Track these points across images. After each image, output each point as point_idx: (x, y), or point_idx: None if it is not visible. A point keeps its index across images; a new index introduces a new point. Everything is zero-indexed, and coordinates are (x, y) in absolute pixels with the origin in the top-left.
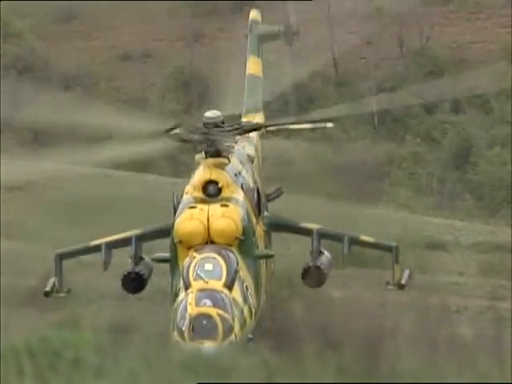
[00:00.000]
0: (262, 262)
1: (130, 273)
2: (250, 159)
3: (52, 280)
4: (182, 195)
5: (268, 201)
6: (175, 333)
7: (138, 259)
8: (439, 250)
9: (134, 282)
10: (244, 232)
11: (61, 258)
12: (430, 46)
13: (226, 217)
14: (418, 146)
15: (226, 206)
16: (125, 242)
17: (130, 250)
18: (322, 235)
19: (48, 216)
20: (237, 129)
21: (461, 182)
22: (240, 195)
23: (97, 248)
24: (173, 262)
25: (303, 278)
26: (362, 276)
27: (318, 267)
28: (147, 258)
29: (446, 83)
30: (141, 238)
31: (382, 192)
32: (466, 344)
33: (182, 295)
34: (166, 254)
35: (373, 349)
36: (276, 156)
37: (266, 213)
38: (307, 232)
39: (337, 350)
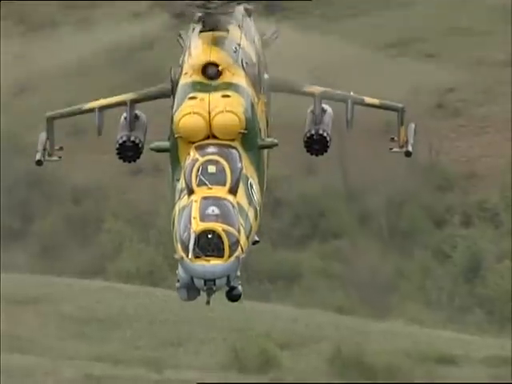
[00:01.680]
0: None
1: (125, 141)
2: (248, 13)
3: (40, 147)
4: (180, 73)
5: (266, 47)
6: (179, 246)
7: (133, 124)
8: (449, 365)
9: (130, 151)
10: (247, 124)
11: (52, 119)
12: (440, 160)
13: (229, 111)
14: (428, 259)
15: (228, 96)
16: (119, 105)
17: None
18: (326, 97)
19: (58, 330)
20: None
21: (471, 296)
22: (241, 77)
23: (89, 111)
24: (173, 153)
25: (306, 146)
26: None
27: (321, 135)
28: (142, 115)
29: (456, 197)
30: (136, 101)
31: (391, 306)
32: None
33: (184, 200)
34: (166, 143)
35: None
36: (287, 270)
37: (265, 76)
38: (309, 95)
39: None
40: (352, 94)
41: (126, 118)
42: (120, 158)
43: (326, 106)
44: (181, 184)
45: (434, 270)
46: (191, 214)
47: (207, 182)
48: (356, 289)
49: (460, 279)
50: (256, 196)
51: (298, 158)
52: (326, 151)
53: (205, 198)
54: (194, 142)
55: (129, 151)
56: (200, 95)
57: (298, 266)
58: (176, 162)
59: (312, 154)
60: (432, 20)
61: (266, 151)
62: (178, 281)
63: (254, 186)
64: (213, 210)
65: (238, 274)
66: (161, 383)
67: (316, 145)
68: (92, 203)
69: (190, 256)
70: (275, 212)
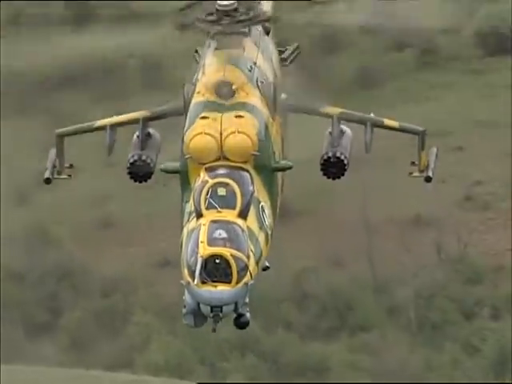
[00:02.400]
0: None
1: (136, 160)
2: (266, 30)
3: (49, 164)
4: (193, 91)
5: (286, 65)
6: (186, 270)
7: (144, 143)
8: None
9: (141, 171)
10: (260, 146)
11: (61, 136)
12: (468, 253)
13: (241, 132)
14: (457, 352)
15: (241, 117)
16: (131, 123)
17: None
18: (344, 119)
19: None
20: (250, 19)
21: None
22: (256, 97)
23: (101, 128)
24: (183, 175)
25: (323, 169)
26: None
27: (338, 158)
28: (156, 134)
29: (485, 290)
30: (149, 119)
31: None
32: None
33: (192, 223)
34: (176, 164)
35: None
36: (315, 362)
37: (282, 95)
38: (327, 116)
39: None
40: (372, 115)
41: (138, 137)
42: (131, 177)
43: (344, 128)
44: (190, 206)
45: (464, 363)
46: (199, 237)
47: (216, 205)
48: (385, 382)
49: (489, 372)
50: (268, 220)
51: (325, 250)
52: (343, 175)
53: (214, 222)
54: (204, 164)
55: (139, 171)
56: (212, 115)
57: (326, 358)
58: (186, 184)
59: (328, 178)
60: (459, 113)
61: (280, 174)
62: (185, 306)
63: (265, 210)
64: (220, 233)
65: (247, 300)
66: None
67: (333, 168)
68: (120, 296)
69: (196, 281)
70: (303, 304)
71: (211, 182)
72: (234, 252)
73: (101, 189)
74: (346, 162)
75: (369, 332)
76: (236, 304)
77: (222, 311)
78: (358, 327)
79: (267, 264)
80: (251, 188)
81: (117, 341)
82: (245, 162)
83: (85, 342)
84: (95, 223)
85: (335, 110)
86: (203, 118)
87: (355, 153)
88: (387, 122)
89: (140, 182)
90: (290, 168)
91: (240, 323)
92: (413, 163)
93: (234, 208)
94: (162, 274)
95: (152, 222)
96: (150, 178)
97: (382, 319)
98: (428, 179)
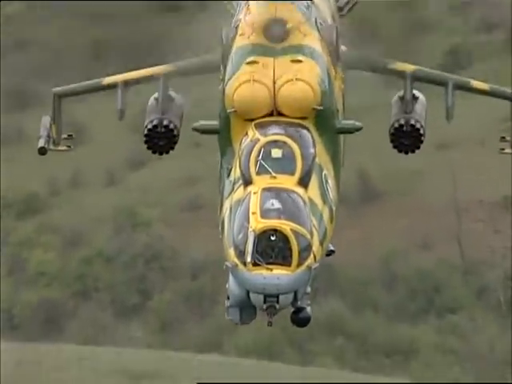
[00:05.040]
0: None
1: (156, 126)
2: None
3: (44, 132)
4: (234, 34)
5: (342, 15)
6: (232, 251)
7: (166, 106)
8: None
9: (162, 139)
10: (323, 99)
11: (60, 97)
12: None
13: (300, 79)
14: None
15: (299, 61)
16: (149, 81)
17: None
18: (419, 78)
19: None
20: None
21: None
22: (315, 39)
23: (111, 86)
24: (223, 135)
25: (393, 140)
26: None
27: (413, 126)
28: (177, 96)
29: None
30: (172, 76)
31: (510, 381)
32: None
33: (238, 192)
34: (214, 122)
35: None
36: (403, 344)
37: (342, 48)
38: (398, 74)
39: None
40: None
41: (156, 99)
42: (149, 147)
43: (417, 93)
44: (234, 173)
45: None
46: (249, 209)
47: (270, 169)
48: (473, 364)
49: None
50: (331, 193)
51: (413, 232)
52: (418, 148)
53: (267, 190)
54: (252, 119)
55: (161, 139)
56: (262, 59)
57: (414, 340)
58: (227, 146)
59: (400, 151)
60: None
61: (342, 139)
62: (228, 298)
63: (329, 180)
64: (272, 203)
65: (308, 290)
66: None
67: (406, 139)
68: (209, 277)
69: (249, 260)
70: (391, 286)
71: (263, 140)
72: (295, 226)
73: (189, 170)
74: (422, 131)
75: (457, 314)
76: (295, 293)
77: (278, 302)
78: (447, 309)
79: (332, 247)
80: (312, 150)
81: (206, 323)
82: (304, 119)
83: (174, 323)
84: (184, 205)
85: (409, 67)
86: (251, 62)
87: (442, 134)
88: (475, 83)
89: (160, 153)
90: (359, 129)
91: (299, 319)
92: (503, 138)
93: (292, 173)
94: None
95: None
96: (172, 148)
97: (471, 301)
98: None
